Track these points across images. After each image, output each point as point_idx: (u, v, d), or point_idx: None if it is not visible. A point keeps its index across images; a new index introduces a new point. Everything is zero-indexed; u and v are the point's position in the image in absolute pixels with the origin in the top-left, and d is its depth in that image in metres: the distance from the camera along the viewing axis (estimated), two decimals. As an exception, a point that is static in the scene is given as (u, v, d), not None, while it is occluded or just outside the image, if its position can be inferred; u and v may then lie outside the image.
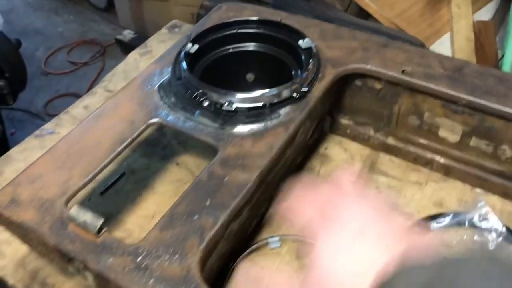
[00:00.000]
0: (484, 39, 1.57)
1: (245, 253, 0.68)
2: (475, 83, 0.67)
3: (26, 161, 0.83)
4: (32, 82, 2.08)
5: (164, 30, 1.12)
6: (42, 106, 2.25)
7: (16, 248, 0.71)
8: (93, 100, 0.95)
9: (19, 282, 0.67)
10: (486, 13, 1.64)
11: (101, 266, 0.49)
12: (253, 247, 0.69)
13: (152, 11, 2.40)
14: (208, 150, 0.83)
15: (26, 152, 0.85)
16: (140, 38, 2.36)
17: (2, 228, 0.61)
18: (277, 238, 0.70)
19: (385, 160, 0.81)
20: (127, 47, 2.42)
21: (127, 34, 2.46)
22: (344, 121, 0.83)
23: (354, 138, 0.83)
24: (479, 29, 1.58)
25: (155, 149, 0.84)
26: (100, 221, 0.51)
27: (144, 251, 0.50)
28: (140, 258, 0.50)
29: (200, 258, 0.50)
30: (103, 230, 0.51)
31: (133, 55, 1.06)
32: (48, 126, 0.91)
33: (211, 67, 0.75)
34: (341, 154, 0.83)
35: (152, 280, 0.48)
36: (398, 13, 1.59)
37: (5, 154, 0.85)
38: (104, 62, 2.47)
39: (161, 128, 0.85)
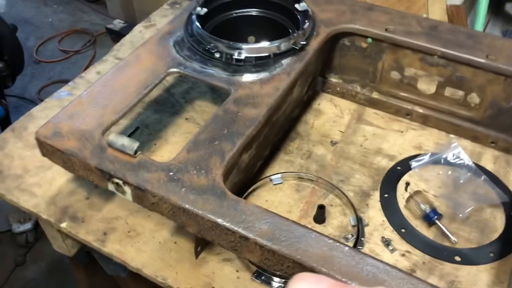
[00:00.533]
0: (457, 21, 1.69)
1: (252, 187, 0.78)
2: (448, 38, 0.78)
3: (47, 118, 0.89)
4: (24, 70, 2.14)
5: (165, 6, 1.21)
6: (35, 92, 2.32)
7: (46, 189, 0.80)
8: (104, 66, 1.04)
9: (51, 216, 0.76)
10: (458, -2, 1.77)
11: (139, 180, 0.58)
12: (259, 183, 0.79)
13: (141, 1, 2.48)
14: (214, 107, 0.93)
15: (47, 111, 0.93)
16: (130, 27, 2.44)
17: (42, 159, 0.70)
18: (279, 176, 0.80)
19: (371, 113, 0.92)
20: (117, 35, 2.49)
21: (117, 23, 2.54)
22: (334, 80, 0.93)
23: (343, 95, 0.93)
24: (452, 12, 1.71)
25: (165, 107, 0.93)
26: (136, 144, 0.60)
27: (175, 167, 0.60)
28: (172, 173, 0.59)
29: (222, 173, 0.59)
30: (138, 153, 0.61)
31: (138, 27, 1.15)
32: (65, 88, 0.99)
33: (217, 30, 0.84)
34: (332, 109, 0.93)
35: (183, 189, 0.57)
36: (378, -3, 1.70)
37: (27, 113, 0.93)
38: (95, 51, 2.54)
39: (180, 76, 0.94)
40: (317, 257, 0.50)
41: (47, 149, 0.65)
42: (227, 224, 0.54)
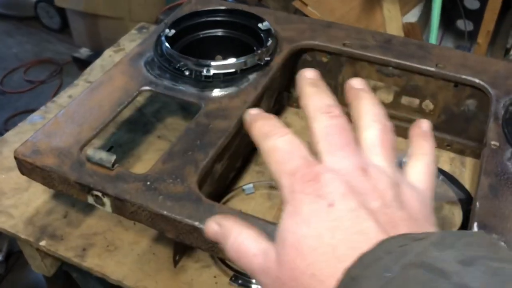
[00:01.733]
0: (413, 38, 1.79)
1: (225, 198, 0.81)
2: (400, 50, 0.85)
3: (21, 142, 0.90)
4: (-10, 101, 2.13)
5: (133, 31, 1.25)
6: (1, 123, 2.30)
7: (23, 210, 0.81)
8: (76, 90, 1.06)
9: (30, 236, 0.77)
10: (412, 16, 1.88)
11: (118, 191, 0.61)
12: (232, 193, 0.83)
13: (108, 29, 2.51)
14: (185, 124, 0.97)
15: (21, 135, 0.95)
16: (97, 55, 2.47)
17: (18, 182, 0.71)
18: (251, 185, 0.83)
19: (335, 124, 0.97)
20: (84, 64, 2.51)
21: (84, 52, 2.56)
22: (299, 94, 0.98)
23: (308, 108, 0.99)
24: (408, 30, 1.81)
25: (137, 127, 0.96)
26: (113, 157, 0.63)
27: (152, 177, 0.63)
28: (149, 182, 0.62)
29: (196, 181, 0.63)
30: (116, 165, 0.64)
31: (108, 52, 1.18)
32: (37, 113, 1.01)
33: (185, 50, 0.89)
34: (298, 121, 0.98)
35: (161, 197, 0.60)
36: (338, 18, 1.80)
37: (1, 138, 0.95)
38: (62, 80, 2.55)
39: (151, 97, 0.98)
40: (289, 251, 0.54)
41: (26, 167, 0.67)
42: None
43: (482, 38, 1.68)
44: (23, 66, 2.62)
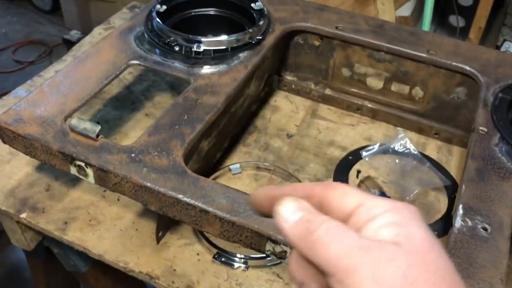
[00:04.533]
0: (405, 31, 1.79)
1: (211, 177, 0.80)
2: (393, 35, 0.84)
3: (5, 115, 0.91)
4: (-24, 80, 2.10)
5: (125, 10, 1.24)
6: (-12, 102, 2.26)
7: (4, 183, 0.80)
8: (63, 66, 1.04)
9: (10, 208, 0.76)
10: (406, 10, 1.88)
11: (101, 161, 0.60)
12: (218, 172, 0.82)
13: (99, 12, 2.48)
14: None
15: (5, 108, 0.93)
16: (88, 38, 2.44)
17: (4, 151, 0.70)
18: (238, 165, 0.83)
19: (324, 109, 0.97)
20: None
21: (74, 34, 2.52)
22: (290, 77, 0.98)
23: (298, 92, 0.98)
24: (401, 23, 1.81)
25: (125, 104, 0.95)
26: (98, 127, 0.62)
27: (136, 149, 0.62)
28: (133, 154, 0.61)
29: (182, 154, 0.62)
30: (100, 136, 0.63)
31: (98, 30, 1.16)
32: (22, 87, 0.99)
33: (175, 28, 0.87)
34: (288, 105, 0.97)
35: (145, 169, 0.59)
36: (331, 8, 1.78)
37: (-15, 110, 0.93)
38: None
39: (140, 75, 0.96)
40: (272, 226, 0.53)
41: (8, 135, 0.65)
42: (188, 200, 0.56)
43: (474, 34, 1.69)
44: (12, 46, 2.58)
